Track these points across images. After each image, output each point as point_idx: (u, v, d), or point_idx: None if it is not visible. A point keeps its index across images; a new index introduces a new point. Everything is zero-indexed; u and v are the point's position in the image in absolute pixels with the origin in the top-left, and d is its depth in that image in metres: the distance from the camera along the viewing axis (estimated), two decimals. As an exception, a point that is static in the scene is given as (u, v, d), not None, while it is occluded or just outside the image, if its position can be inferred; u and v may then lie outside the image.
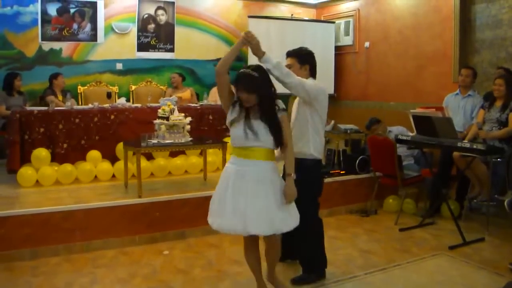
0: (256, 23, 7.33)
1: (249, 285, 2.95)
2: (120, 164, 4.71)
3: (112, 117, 5.03)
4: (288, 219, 2.62)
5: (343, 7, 7.81)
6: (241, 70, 2.57)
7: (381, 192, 4.96)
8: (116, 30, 6.80)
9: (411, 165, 5.21)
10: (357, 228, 4.44)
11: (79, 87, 6.49)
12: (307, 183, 2.98)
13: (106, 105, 5.24)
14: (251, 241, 2.74)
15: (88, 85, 6.58)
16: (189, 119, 4.50)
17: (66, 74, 6.25)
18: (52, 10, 6.33)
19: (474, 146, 3.77)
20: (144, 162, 4.72)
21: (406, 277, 3.29)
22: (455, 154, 4.33)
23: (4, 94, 5.61)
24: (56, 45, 6.42)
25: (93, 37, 6.64)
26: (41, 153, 4.57)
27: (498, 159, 4.17)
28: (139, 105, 5.54)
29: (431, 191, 4.72)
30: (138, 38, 6.98)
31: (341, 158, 5.30)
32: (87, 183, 4.65)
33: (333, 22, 7.86)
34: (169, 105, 4.43)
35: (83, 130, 4.89)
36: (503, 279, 3.14)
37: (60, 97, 5.83)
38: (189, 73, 7.31)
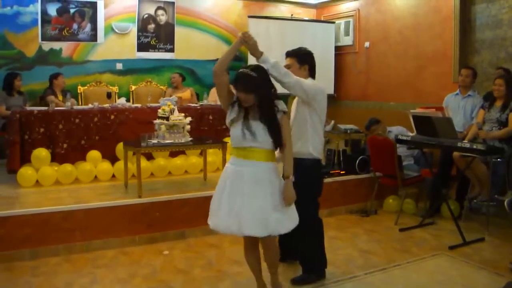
0: (256, 23, 7.33)
1: (249, 285, 2.95)
2: (120, 164, 4.71)
3: (112, 117, 5.03)
4: (285, 220, 2.60)
5: (343, 7, 7.81)
6: (240, 70, 2.57)
7: (381, 192, 4.96)
8: (116, 30, 6.80)
9: (411, 165, 5.21)
10: (357, 228, 4.44)
11: (79, 87, 6.50)
12: (307, 183, 2.98)
13: (106, 105, 5.24)
14: (251, 241, 2.73)
15: (88, 85, 6.58)
16: (189, 119, 4.50)
17: (66, 74, 6.24)
18: (52, 10, 6.33)
19: (474, 146, 3.77)
20: (144, 162, 4.72)
21: (406, 277, 3.29)
22: (455, 154, 4.33)
23: (4, 94, 5.61)
24: (56, 45, 6.42)
25: (93, 37, 6.64)
26: (41, 153, 4.58)
27: (498, 159, 4.17)
28: (139, 105, 5.55)
29: (431, 191, 4.72)
30: (138, 38, 6.98)
31: (341, 158, 5.30)
32: (87, 183, 4.65)
33: (333, 22, 7.86)
34: (169, 105, 4.44)
35: (83, 130, 4.89)
36: (503, 279, 3.14)
37: (60, 97, 5.83)
38: (189, 73, 7.31)
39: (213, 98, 6.16)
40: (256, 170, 2.55)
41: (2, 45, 6.06)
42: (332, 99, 7.48)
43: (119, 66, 6.88)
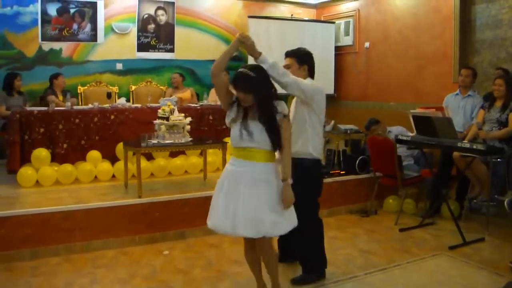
0: (256, 23, 7.33)
1: (249, 285, 2.95)
2: (120, 164, 4.72)
3: (112, 117, 5.03)
4: (282, 222, 2.57)
5: (343, 7, 7.81)
6: (239, 70, 2.56)
7: (381, 192, 4.96)
8: (116, 30, 6.80)
9: (411, 165, 5.21)
10: (357, 228, 4.44)
11: (79, 87, 6.49)
12: (307, 183, 2.99)
13: (106, 105, 5.24)
14: (251, 242, 2.71)
15: (88, 85, 6.58)
16: (189, 119, 4.50)
17: (66, 74, 6.24)
18: (52, 10, 6.33)
19: (474, 146, 3.77)
20: (144, 162, 4.72)
21: (406, 277, 3.29)
22: (455, 154, 4.33)
23: (4, 94, 5.61)
24: (56, 45, 6.42)
25: (93, 37, 6.64)
26: (41, 153, 4.58)
27: (498, 159, 4.17)
28: (139, 105, 5.55)
29: (431, 191, 4.72)
30: (138, 38, 6.98)
31: (341, 158, 5.31)
32: (87, 183, 4.66)
33: (333, 22, 7.86)
34: (169, 105, 4.44)
35: (83, 130, 4.89)
36: (503, 279, 3.14)
37: (61, 97, 5.83)
38: (189, 73, 7.31)
39: (213, 98, 6.16)
40: (254, 171, 2.54)
41: (2, 45, 6.06)
42: (332, 99, 7.48)
43: (119, 66, 6.88)
